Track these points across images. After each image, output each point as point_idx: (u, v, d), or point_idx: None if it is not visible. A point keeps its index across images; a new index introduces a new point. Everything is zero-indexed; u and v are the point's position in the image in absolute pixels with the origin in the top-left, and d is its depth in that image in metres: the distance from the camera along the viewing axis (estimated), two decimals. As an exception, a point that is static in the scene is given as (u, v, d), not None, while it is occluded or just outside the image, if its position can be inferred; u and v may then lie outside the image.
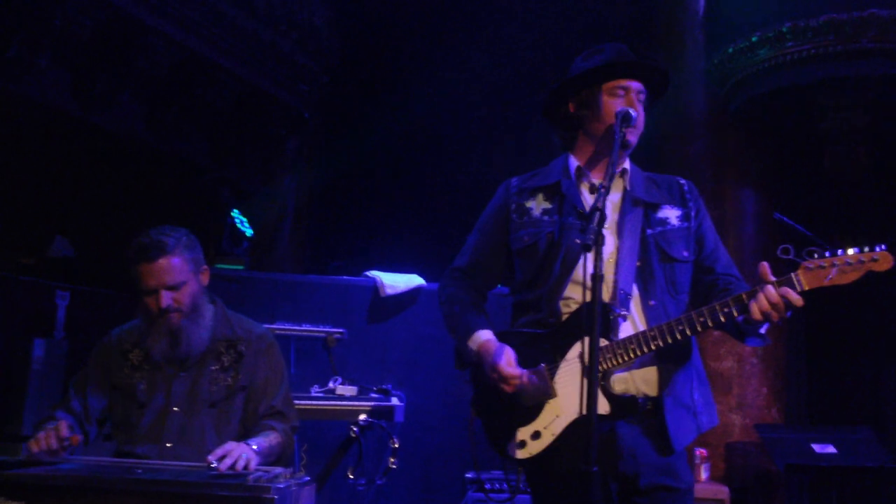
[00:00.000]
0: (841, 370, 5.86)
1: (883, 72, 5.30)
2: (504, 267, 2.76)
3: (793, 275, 2.32)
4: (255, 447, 2.63)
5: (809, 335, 5.86)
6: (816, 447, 4.59)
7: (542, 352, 2.54)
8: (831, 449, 4.59)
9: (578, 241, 2.25)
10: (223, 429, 2.85)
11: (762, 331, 2.45)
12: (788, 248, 2.33)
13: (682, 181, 2.76)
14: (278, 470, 2.54)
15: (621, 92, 2.62)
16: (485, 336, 2.60)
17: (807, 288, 2.31)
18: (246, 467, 2.53)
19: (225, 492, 2.34)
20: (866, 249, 2.29)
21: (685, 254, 2.61)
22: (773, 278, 2.33)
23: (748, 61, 5.62)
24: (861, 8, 5.15)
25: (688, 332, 2.40)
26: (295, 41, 7.08)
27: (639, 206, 2.63)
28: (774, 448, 4.64)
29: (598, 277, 2.24)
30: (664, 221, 2.63)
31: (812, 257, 2.31)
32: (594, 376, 2.16)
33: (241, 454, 2.54)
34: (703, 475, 5.06)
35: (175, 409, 2.84)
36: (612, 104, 2.61)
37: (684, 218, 2.65)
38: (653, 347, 2.43)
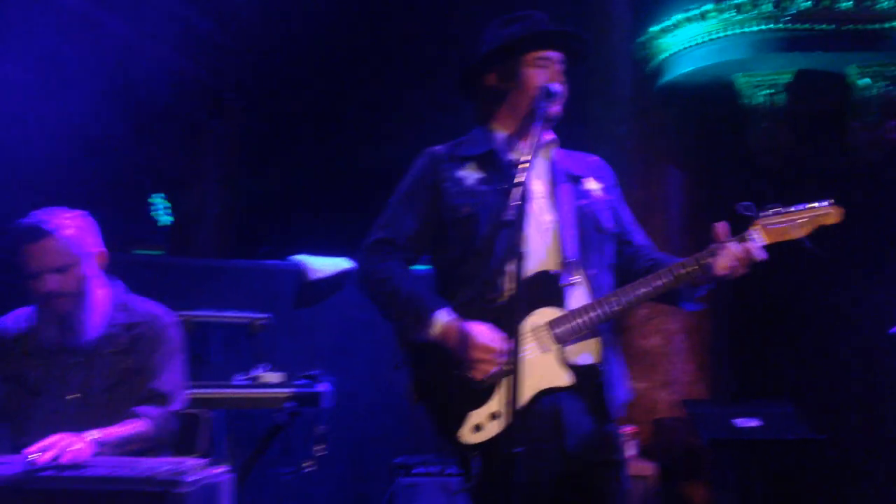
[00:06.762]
0: (764, 346, 5.98)
1: (801, 51, 5.40)
2: (433, 239, 2.60)
3: (751, 230, 2.37)
4: (96, 436, 2.47)
5: (733, 311, 5.97)
6: (739, 421, 4.67)
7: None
8: (754, 423, 4.68)
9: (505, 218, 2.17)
10: (121, 415, 2.70)
11: (698, 295, 2.48)
12: (750, 206, 2.39)
13: (593, 156, 2.75)
14: (191, 462, 2.44)
15: (544, 63, 2.56)
16: (447, 317, 2.40)
17: (767, 242, 2.38)
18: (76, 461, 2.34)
19: (125, 486, 2.22)
20: (815, 204, 2.37)
21: (610, 225, 2.61)
22: (731, 237, 2.38)
23: (673, 40, 5.66)
24: (780, -13, 5.24)
25: (647, 295, 2.41)
26: (215, 21, 6.89)
27: (567, 178, 2.60)
28: (699, 423, 4.71)
29: (520, 255, 2.20)
30: (589, 194, 2.62)
31: (767, 213, 2.39)
32: (516, 359, 2.13)
33: (68, 446, 2.36)
34: (632, 452, 5.11)
35: (69, 397, 2.71)
36: (535, 76, 2.54)
37: (606, 191, 2.66)
38: (612, 312, 2.41)
